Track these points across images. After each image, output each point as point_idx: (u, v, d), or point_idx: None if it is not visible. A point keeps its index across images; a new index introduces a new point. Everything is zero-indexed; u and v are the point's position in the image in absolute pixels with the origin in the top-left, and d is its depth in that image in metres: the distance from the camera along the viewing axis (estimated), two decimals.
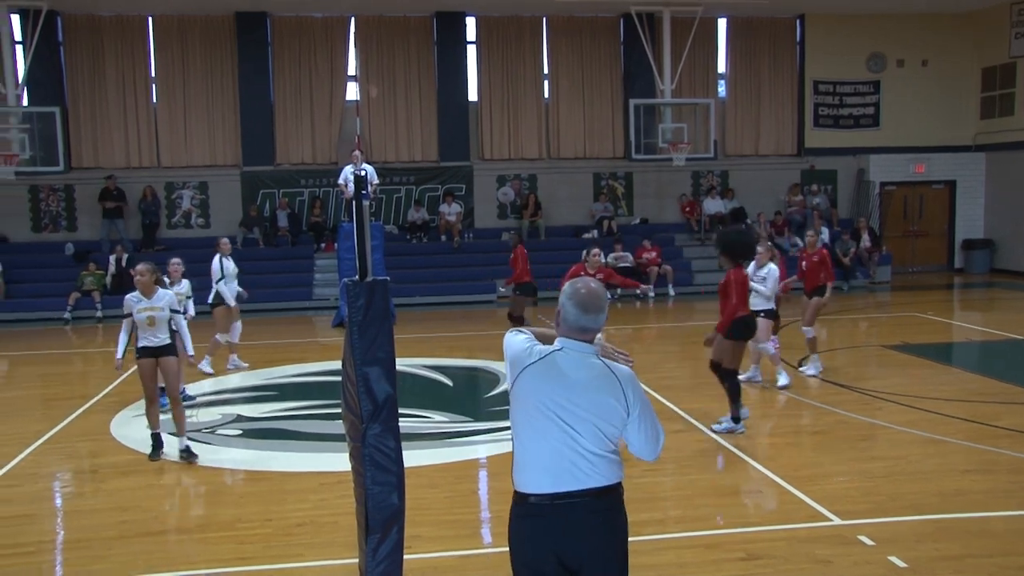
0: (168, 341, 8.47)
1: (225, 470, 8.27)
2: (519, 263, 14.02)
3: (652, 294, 20.62)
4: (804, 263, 11.75)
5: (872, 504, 6.98)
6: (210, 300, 12.51)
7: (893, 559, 5.91)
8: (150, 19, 21.51)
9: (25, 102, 19.77)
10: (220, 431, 9.57)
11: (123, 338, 8.58)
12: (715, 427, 9.05)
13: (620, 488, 3.67)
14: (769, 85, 23.67)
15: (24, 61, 19.49)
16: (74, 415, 10.36)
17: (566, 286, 3.75)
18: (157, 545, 6.59)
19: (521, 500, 3.64)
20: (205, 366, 12.32)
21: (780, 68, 23.72)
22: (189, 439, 8.61)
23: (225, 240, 12.97)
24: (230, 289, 12.59)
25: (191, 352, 8.75)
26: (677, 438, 8.95)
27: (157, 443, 8.57)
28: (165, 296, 8.47)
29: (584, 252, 12.35)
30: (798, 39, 23.79)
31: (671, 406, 10.07)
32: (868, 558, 5.97)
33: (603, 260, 20.29)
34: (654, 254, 21.05)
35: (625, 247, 21.09)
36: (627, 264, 20.58)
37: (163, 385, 8.81)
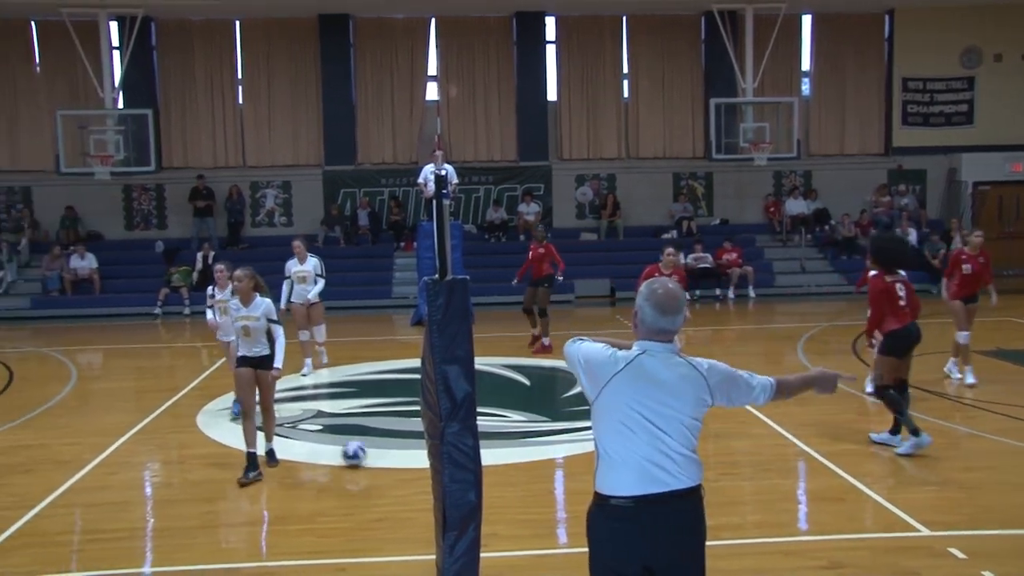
0: (266, 352, 8.05)
1: (305, 464, 8.41)
2: (555, 256, 14.11)
3: (732, 296, 20.31)
4: (968, 265, 10.95)
5: (964, 516, 6.73)
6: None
7: (987, 574, 5.68)
8: (237, 23, 22.05)
9: (120, 105, 20.46)
10: (301, 426, 9.75)
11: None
12: (898, 451, 8.24)
13: (701, 490, 3.64)
14: (855, 82, 23.08)
15: (120, 65, 20.20)
16: (163, 407, 10.68)
17: (643, 287, 3.72)
18: (238, 536, 6.75)
19: (604, 502, 3.61)
20: (306, 369, 12.35)
21: (867, 65, 23.10)
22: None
23: (295, 242, 12.44)
24: (296, 292, 12.25)
25: (278, 365, 8.09)
26: (757, 442, 8.79)
27: (251, 463, 7.90)
28: (262, 305, 8.00)
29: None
30: (886, 35, 23.13)
31: (750, 409, 9.88)
32: (960, 572, 5.76)
33: (683, 260, 20.16)
34: (735, 255, 20.73)
35: (705, 248, 20.82)
36: (707, 265, 20.32)
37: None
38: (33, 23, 21.42)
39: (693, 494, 3.58)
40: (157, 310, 19.31)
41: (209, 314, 10.19)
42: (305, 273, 12.02)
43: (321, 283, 12.08)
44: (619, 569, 3.56)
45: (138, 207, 22.35)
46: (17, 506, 7.30)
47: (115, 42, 20.55)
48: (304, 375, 12.25)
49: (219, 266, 10.05)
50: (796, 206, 22.72)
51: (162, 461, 8.84)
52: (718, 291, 20.33)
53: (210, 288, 10.15)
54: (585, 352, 3.73)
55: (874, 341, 8.65)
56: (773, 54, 21.06)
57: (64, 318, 19.28)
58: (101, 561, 6.35)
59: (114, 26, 20.48)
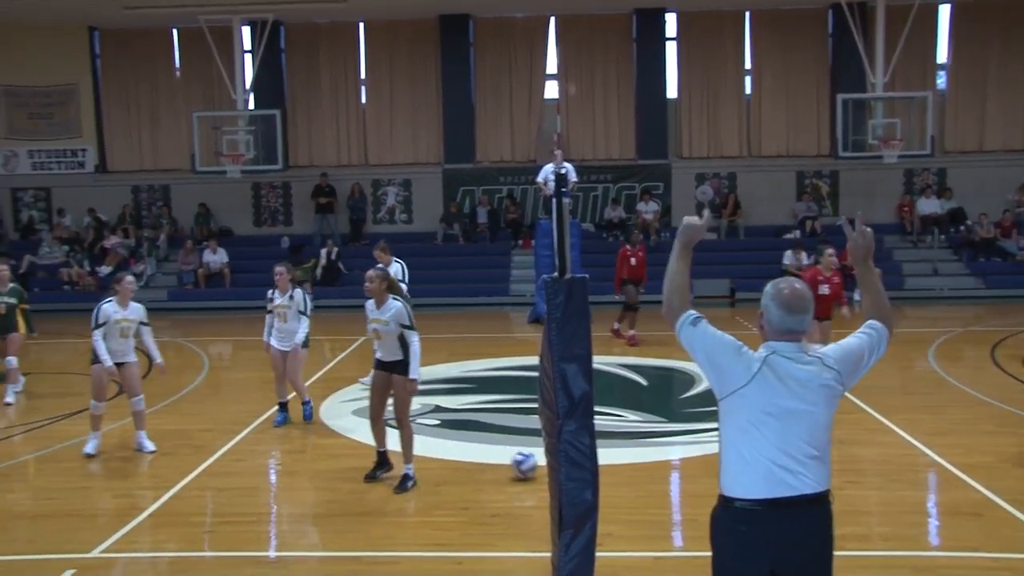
0: (399, 357, 7.55)
1: (422, 458, 8.54)
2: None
3: (858, 297, 19.58)
4: None
5: None
6: None
7: None
8: (361, 25, 22.60)
9: (251, 106, 21.29)
10: (418, 420, 9.89)
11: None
12: None
13: (830, 496, 3.53)
14: (997, 75, 21.91)
15: (251, 68, 21.05)
16: (288, 397, 11.02)
17: (768, 287, 3.63)
18: (357, 525, 6.92)
19: (729, 504, 3.54)
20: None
21: (1012, 56, 21.85)
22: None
23: (278, 268, 9.79)
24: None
25: (413, 375, 7.52)
26: (884, 450, 8.47)
27: (382, 461, 7.81)
28: (393, 308, 7.52)
29: (815, 253, 11.72)
30: None
31: (878, 416, 9.53)
32: None
33: (805, 261, 19.59)
34: None
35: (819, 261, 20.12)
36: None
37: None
38: (174, 31, 22.51)
39: (822, 500, 3.48)
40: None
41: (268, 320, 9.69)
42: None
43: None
44: (743, 574, 3.49)
45: (266, 204, 23.20)
46: (157, 487, 7.71)
47: (247, 46, 21.39)
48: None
49: (279, 268, 9.62)
50: (928, 205, 21.77)
51: (286, 450, 9.14)
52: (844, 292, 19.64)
53: (270, 292, 9.71)
54: (708, 344, 3.61)
55: None
56: (906, 47, 20.20)
57: (197, 310, 20.21)
58: (230, 543, 6.63)
59: (246, 31, 21.34)
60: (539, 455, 6.24)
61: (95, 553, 6.33)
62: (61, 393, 12.13)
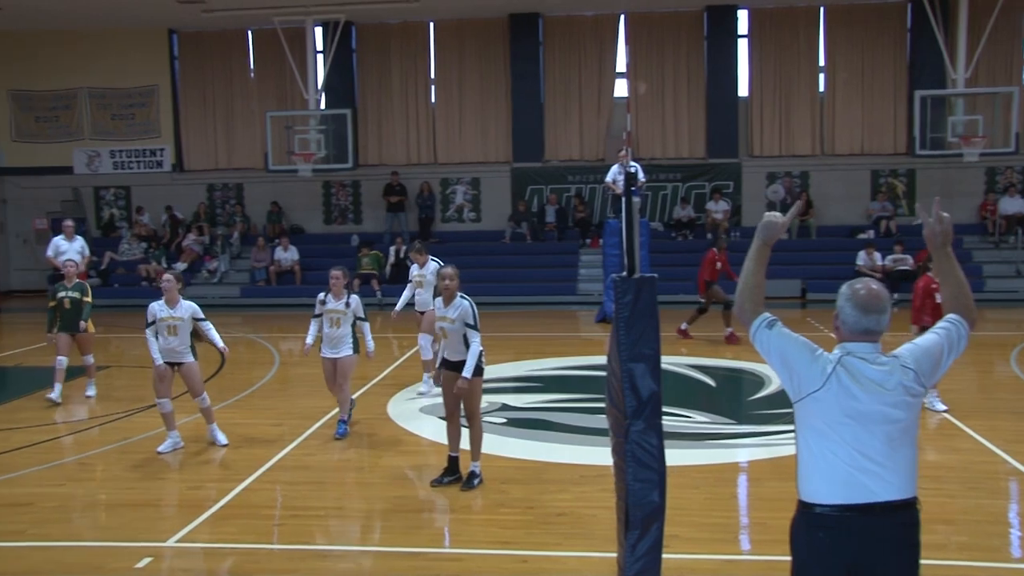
0: (462, 358, 7.43)
1: (489, 455, 8.55)
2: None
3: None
4: None
5: None
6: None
7: None
8: (431, 24, 22.77)
9: (322, 106, 21.62)
10: (486, 418, 9.91)
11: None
12: None
13: (917, 503, 3.44)
14: None
15: (323, 68, 21.39)
16: (355, 395, 11.15)
17: (843, 288, 3.56)
18: (423, 522, 6.97)
19: (808, 509, 3.49)
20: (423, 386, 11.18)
21: None
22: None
23: (334, 271, 9.31)
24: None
25: (466, 374, 7.36)
26: (963, 457, 8.22)
27: (451, 467, 7.70)
28: (460, 307, 7.45)
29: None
30: None
31: (956, 422, 9.25)
32: None
33: (880, 262, 19.15)
34: None
35: (906, 249, 19.67)
36: (907, 267, 19.19)
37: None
38: (249, 32, 22.98)
39: (906, 506, 3.39)
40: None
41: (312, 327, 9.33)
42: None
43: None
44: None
45: (336, 202, 23.53)
46: (229, 479, 7.88)
47: (319, 46, 21.73)
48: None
49: (335, 271, 9.11)
50: (1012, 205, 21.06)
51: (354, 446, 9.24)
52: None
53: (321, 295, 9.21)
54: (783, 347, 3.56)
55: None
56: (991, 40, 19.59)
57: (268, 307, 20.59)
58: (299, 536, 6.74)
59: (319, 31, 21.67)
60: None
61: (170, 542, 6.50)
62: (138, 386, 12.48)
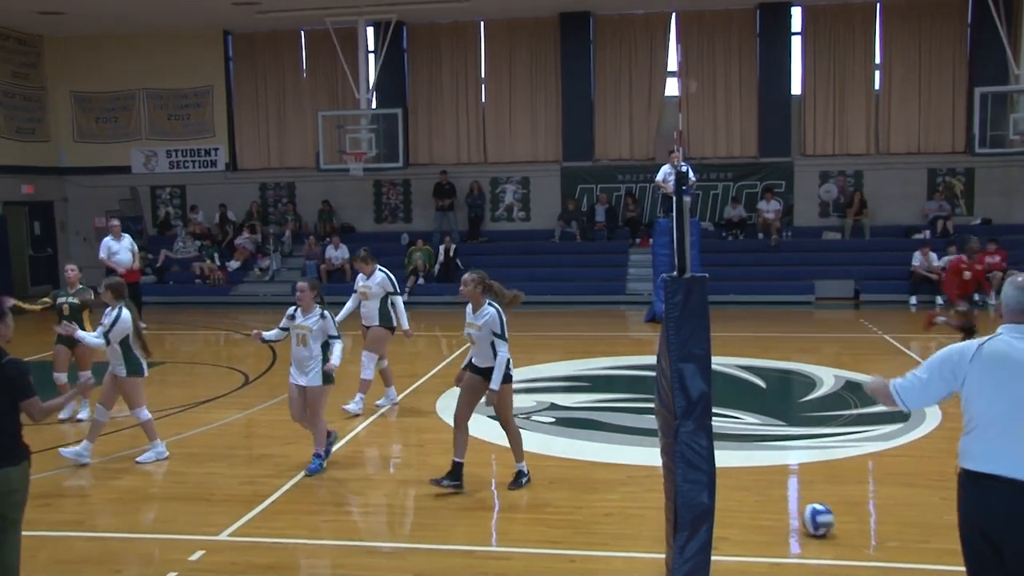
0: (489, 365, 7.32)
1: (537, 455, 8.56)
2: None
3: (994, 302, 18.64)
4: None
5: None
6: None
7: None
8: (481, 23, 22.82)
9: (373, 105, 21.80)
10: (534, 417, 9.94)
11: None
12: None
13: None
14: None
15: (375, 68, 21.58)
16: (406, 392, 11.25)
17: (1008, 278, 4.04)
18: (471, 520, 6.98)
19: (962, 470, 3.93)
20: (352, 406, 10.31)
21: None
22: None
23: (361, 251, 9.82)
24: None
25: (494, 386, 7.27)
26: None
27: (454, 472, 7.45)
28: (486, 314, 7.30)
29: None
30: None
31: None
32: None
33: (937, 263, 18.76)
34: (998, 258, 18.98)
35: (962, 250, 19.22)
36: None
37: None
38: (302, 33, 23.26)
39: None
40: (404, 298, 20.37)
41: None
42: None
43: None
44: (963, 532, 3.95)
45: (386, 201, 23.70)
46: (279, 475, 7.99)
47: (371, 46, 21.91)
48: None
49: (302, 284, 8.30)
50: None
51: (403, 444, 9.32)
52: (977, 296, 18.68)
53: (291, 308, 8.47)
54: (933, 381, 4.02)
55: None
56: None
57: None
58: (348, 532, 6.81)
59: (370, 31, 21.85)
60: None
61: (223, 536, 6.61)
62: (191, 382, 12.73)
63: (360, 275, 10.32)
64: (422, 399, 10.94)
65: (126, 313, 8.22)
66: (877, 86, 21.64)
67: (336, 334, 8.12)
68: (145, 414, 8.49)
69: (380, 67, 21.58)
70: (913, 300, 18.67)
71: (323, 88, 23.28)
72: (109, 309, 8.28)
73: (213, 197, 23.69)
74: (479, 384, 7.46)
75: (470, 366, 7.60)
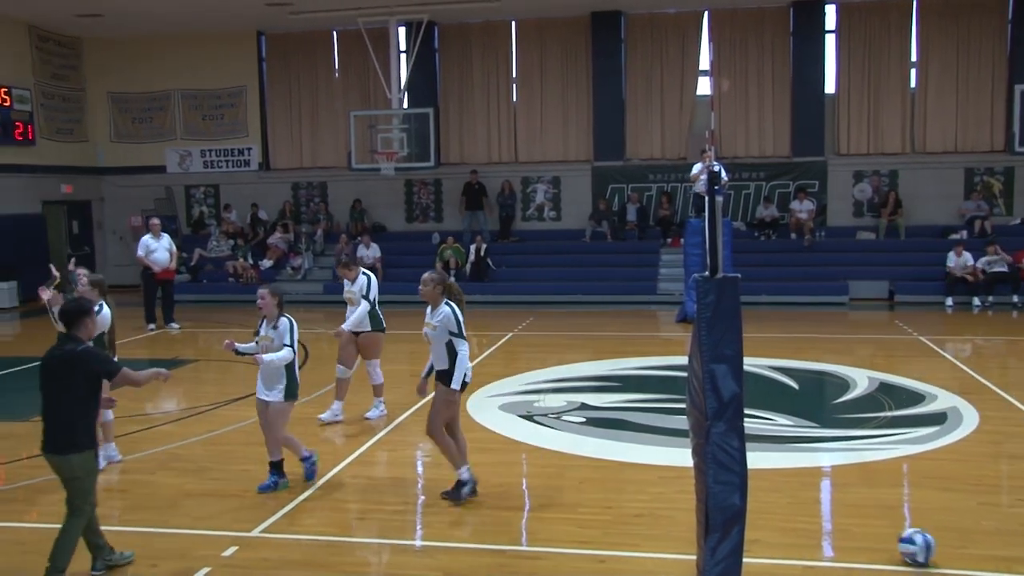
0: (445, 367, 7.23)
1: (567, 455, 8.56)
2: None
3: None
4: None
5: None
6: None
7: None
8: (513, 23, 22.83)
9: (405, 105, 21.89)
10: (564, 417, 9.94)
11: None
12: None
13: None
14: None
15: (406, 68, 21.67)
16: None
17: None
18: (501, 519, 6.99)
19: None
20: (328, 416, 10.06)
21: None
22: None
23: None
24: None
25: (454, 385, 7.19)
26: None
27: (457, 487, 7.32)
28: (442, 312, 7.23)
29: None
30: None
31: None
32: None
33: (973, 263, 18.49)
34: None
35: (1001, 249, 18.93)
36: (1002, 268, 18.49)
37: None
38: (334, 33, 23.41)
39: None
40: None
41: None
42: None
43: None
44: None
45: (418, 200, 23.78)
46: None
47: (402, 46, 22.00)
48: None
49: (262, 291, 7.65)
50: None
51: (431, 443, 9.31)
52: (1015, 298, 18.43)
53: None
54: None
55: None
56: None
57: None
58: (378, 531, 6.84)
59: (402, 32, 21.94)
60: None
61: (255, 532, 6.67)
62: (224, 380, 12.86)
63: (346, 281, 10.14)
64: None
65: (107, 311, 8.15)
66: (913, 84, 21.37)
67: (288, 342, 7.49)
68: (108, 415, 8.35)
69: (412, 67, 21.66)
70: (949, 301, 18.41)
71: (355, 88, 23.41)
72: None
73: (246, 196, 23.91)
74: (441, 388, 7.30)
75: (430, 370, 7.46)
